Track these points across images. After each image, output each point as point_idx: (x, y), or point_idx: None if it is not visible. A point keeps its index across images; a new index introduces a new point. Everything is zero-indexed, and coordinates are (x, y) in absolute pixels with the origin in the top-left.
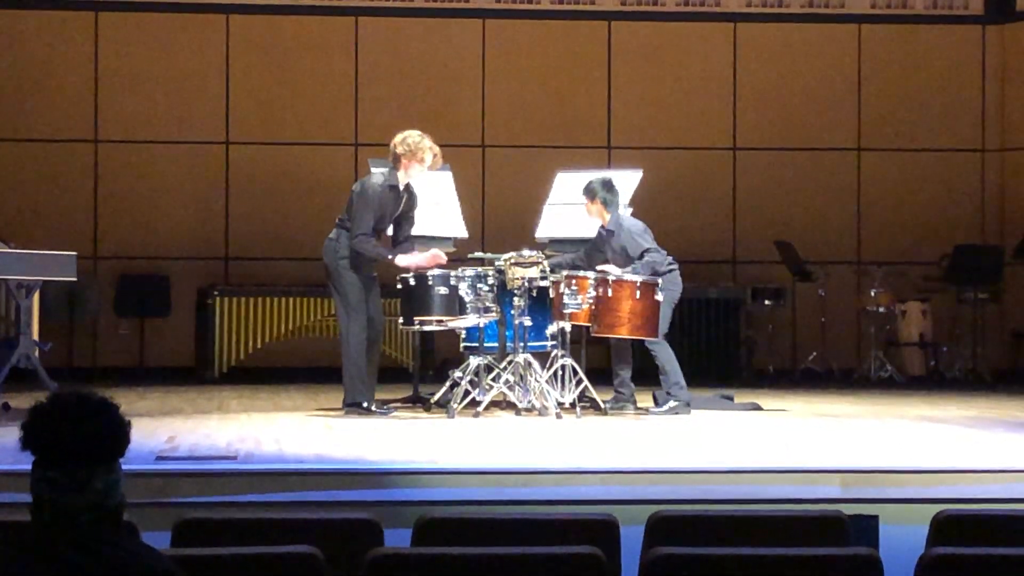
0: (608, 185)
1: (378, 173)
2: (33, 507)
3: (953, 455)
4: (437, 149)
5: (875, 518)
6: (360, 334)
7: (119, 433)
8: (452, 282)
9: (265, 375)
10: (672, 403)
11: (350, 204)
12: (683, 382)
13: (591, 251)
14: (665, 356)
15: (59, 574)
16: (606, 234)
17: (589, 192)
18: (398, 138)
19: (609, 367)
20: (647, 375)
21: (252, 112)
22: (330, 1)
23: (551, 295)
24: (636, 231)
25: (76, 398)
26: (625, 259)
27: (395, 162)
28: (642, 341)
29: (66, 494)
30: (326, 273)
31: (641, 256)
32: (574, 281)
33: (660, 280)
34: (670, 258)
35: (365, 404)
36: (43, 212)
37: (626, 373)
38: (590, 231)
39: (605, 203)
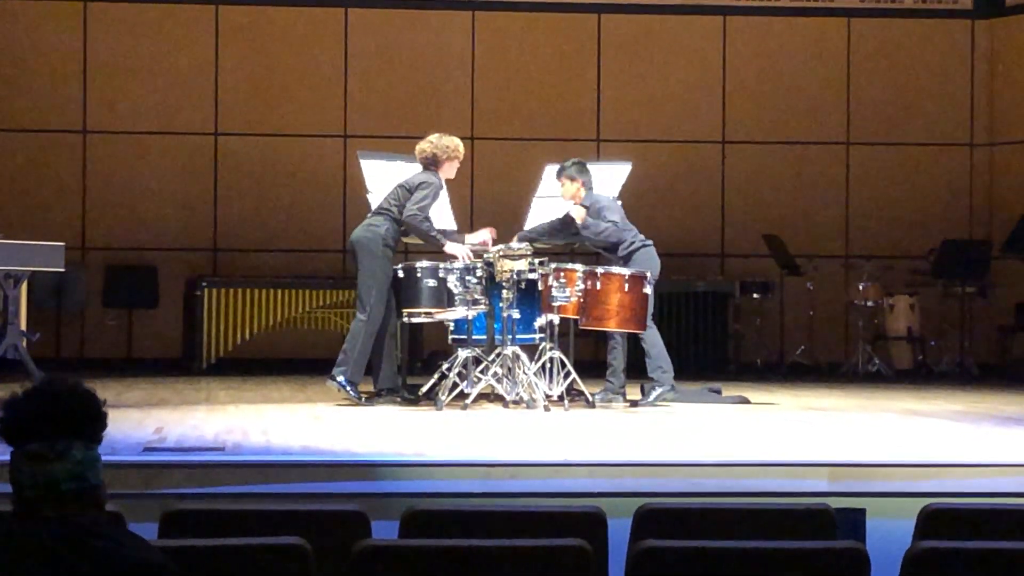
0: (582, 165)
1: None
2: (14, 491)
3: (940, 449)
4: None
5: (862, 511)
6: (378, 320)
7: (95, 412)
8: (441, 274)
9: (253, 366)
10: (658, 390)
11: (397, 192)
12: (666, 366)
13: (555, 230)
14: (651, 340)
15: (48, 568)
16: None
17: (566, 173)
18: (427, 146)
19: (598, 360)
20: (641, 367)
21: (241, 103)
22: None
23: (539, 288)
24: (604, 204)
25: (50, 381)
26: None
27: (435, 166)
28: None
29: (45, 464)
30: (362, 256)
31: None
32: (562, 274)
33: (648, 273)
34: (640, 236)
35: (352, 391)
36: (31, 202)
37: (618, 364)
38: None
39: (583, 184)
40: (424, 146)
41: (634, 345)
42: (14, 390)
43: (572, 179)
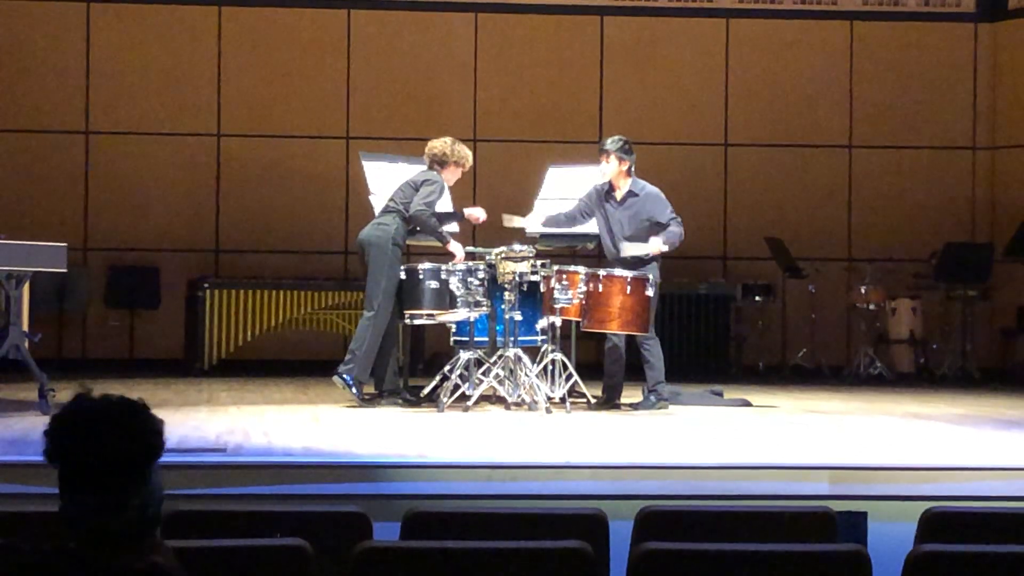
0: (628, 145)
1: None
2: (62, 525)
3: (942, 452)
4: None
5: (864, 515)
6: (385, 319)
7: (152, 443)
8: (443, 276)
9: (255, 368)
10: (653, 400)
11: (403, 190)
12: (664, 380)
13: (577, 213)
14: (657, 352)
15: None
16: (624, 196)
17: (620, 150)
18: (440, 145)
19: (600, 362)
20: (641, 371)
21: (244, 105)
22: None
23: (542, 290)
24: (662, 196)
25: (100, 408)
26: (639, 224)
27: (440, 166)
28: (634, 336)
29: (101, 517)
30: (371, 255)
31: (669, 223)
32: (564, 276)
33: (651, 276)
34: None
35: (355, 391)
36: (34, 203)
37: (659, 365)
38: (581, 226)
39: (630, 166)
40: (435, 143)
41: (633, 348)
42: (60, 409)
43: (620, 159)
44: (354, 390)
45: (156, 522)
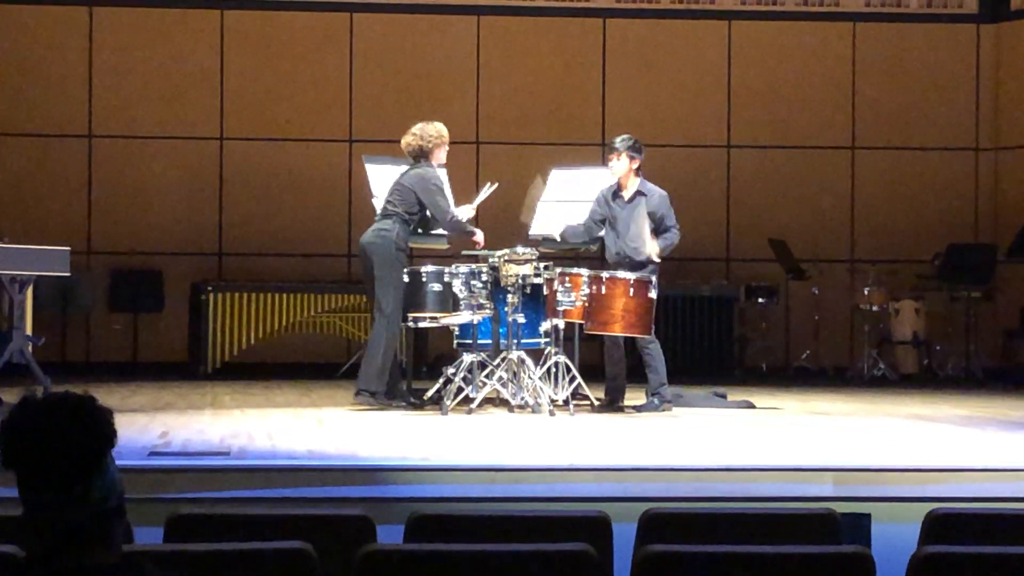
0: (638, 144)
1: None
2: (29, 529)
3: (946, 454)
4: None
5: (867, 516)
6: (397, 325)
7: (105, 432)
8: (446, 278)
9: (258, 371)
10: (657, 402)
11: (400, 192)
12: (666, 382)
13: (592, 223)
14: (658, 355)
15: None
16: (632, 195)
17: (630, 148)
18: (412, 140)
19: (603, 365)
20: (642, 373)
21: (246, 108)
22: None
23: (545, 292)
24: (668, 200)
25: (47, 407)
26: (644, 222)
27: (426, 156)
28: (635, 339)
29: (64, 512)
30: (374, 264)
31: (668, 229)
32: (567, 278)
33: (653, 278)
34: None
35: (376, 400)
36: (37, 207)
37: (660, 368)
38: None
39: (639, 166)
40: (409, 139)
41: (634, 350)
42: (7, 414)
43: (631, 158)
44: (376, 399)
45: (120, 515)
